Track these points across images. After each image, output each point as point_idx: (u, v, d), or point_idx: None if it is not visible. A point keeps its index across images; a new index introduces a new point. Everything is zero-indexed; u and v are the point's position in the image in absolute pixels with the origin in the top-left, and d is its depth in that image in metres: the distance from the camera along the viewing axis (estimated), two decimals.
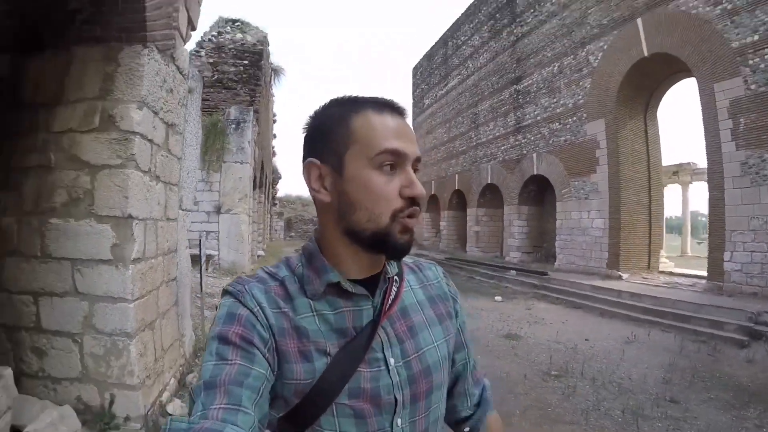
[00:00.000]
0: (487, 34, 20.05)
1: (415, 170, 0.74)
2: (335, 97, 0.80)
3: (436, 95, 26.52)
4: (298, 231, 32.34)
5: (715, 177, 9.82)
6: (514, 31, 17.71)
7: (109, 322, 3.08)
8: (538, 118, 16.10)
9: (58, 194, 3.13)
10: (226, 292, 0.74)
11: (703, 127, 10.15)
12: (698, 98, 10.34)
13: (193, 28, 3.97)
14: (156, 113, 3.44)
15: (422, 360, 0.78)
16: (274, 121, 24.94)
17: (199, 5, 4.02)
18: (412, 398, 0.75)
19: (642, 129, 13.06)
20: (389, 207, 0.71)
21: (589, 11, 13.68)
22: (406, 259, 0.89)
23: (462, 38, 23.06)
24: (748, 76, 9.39)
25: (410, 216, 0.72)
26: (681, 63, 10.82)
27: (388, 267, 0.80)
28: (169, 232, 3.89)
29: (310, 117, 0.79)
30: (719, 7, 9.98)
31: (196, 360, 4.75)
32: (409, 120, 0.78)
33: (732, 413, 4.56)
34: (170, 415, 3.36)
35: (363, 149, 0.72)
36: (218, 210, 11.59)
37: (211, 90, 12.14)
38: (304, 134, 0.80)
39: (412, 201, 0.72)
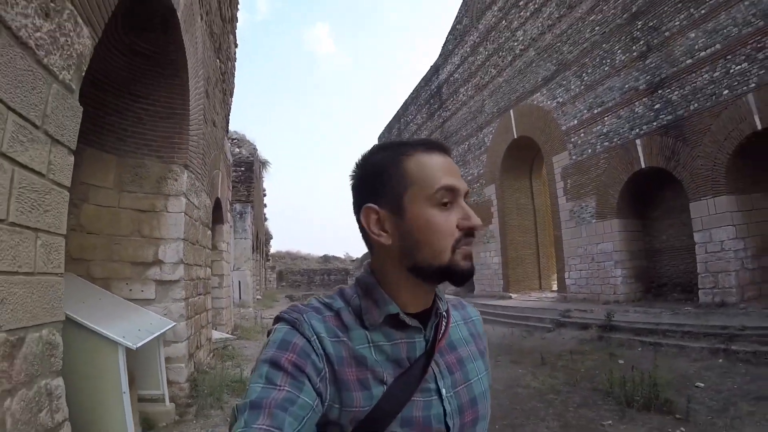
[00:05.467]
0: (426, 115, 24.80)
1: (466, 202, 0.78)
2: (378, 143, 0.84)
3: None
4: (288, 281, 36.13)
5: (556, 221, 14.00)
6: (442, 114, 22.43)
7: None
8: None
9: None
10: (280, 319, 0.76)
11: (548, 187, 14.46)
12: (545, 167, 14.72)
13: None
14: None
15: (469, 391, 0.80)
16: (264, 195, 29.34)
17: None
18: (461, 428, 0.77)
19: (528, 187, 17.40)
20: (450, 240, 0.74)
21: (485, 102, 18.35)
22: (450, 298, 0.93)
23: (410, 116, 27.87)
24: (571, 150, 13.78)
25: (467, 244, 0.75)
26: (536, 142, 15.29)
27: (439, 303, 0.82)
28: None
29: (357, 165, 0.82)
30: (555, 101, 14.53)
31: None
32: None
33: (516, 366, 8.06)
34: None
35: (421, 189, 0.75)
36: (233, 268, 15.84)
37: None
38: (353, 182, 0.82)
39: (469, 231, 0.75)
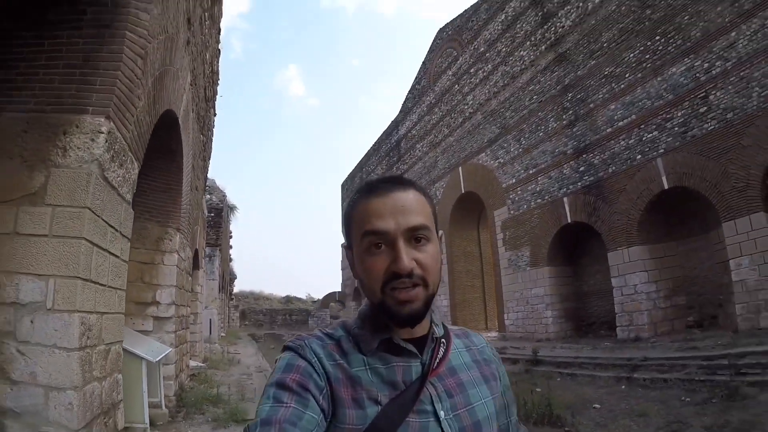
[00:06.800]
0: (386, 167, 26.60)
1: (420, 238, 0.78)
2: (362, 184, 0.88)
3: None
4: (251, 319, 36.46)
5: (497, 268, 15.67)
6: (400, 167, 24.24)
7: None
8: None
9: None
10: (286, 348, 0.81)
11: (491, 239, 16.18)
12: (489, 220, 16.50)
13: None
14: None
15: (471, 414, 0.80)
16: (231, 237, 30.36)
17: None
18: None
19: (476, 237, 19.14)
20: (378, 282, 0.76)
21: (438, 159, 20.23)
22: (453, 328, 0.96)
23: (371, 167, 29.66)
24: (510, 205, 15.59)
25: (394, 288, 0.75)
26: (481, 197, 17.12)
27: (435, 328, 0.85)
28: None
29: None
30: (497, 161, 16.42)
31: None
32: (408, 190, 0.81)
33: None
34: None
35: (356, 235, 0.80)
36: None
37: None
38: None
39: (394, 275, 0.75)
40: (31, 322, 2.52)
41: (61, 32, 3.00)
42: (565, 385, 9.25)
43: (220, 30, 8.49)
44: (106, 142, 2.85)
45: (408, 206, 0.78)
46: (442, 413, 0.77)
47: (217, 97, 9.70)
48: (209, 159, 9.56)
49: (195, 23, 5.54)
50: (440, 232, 0.87)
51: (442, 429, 0.76)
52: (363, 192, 0.82)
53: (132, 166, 3.46)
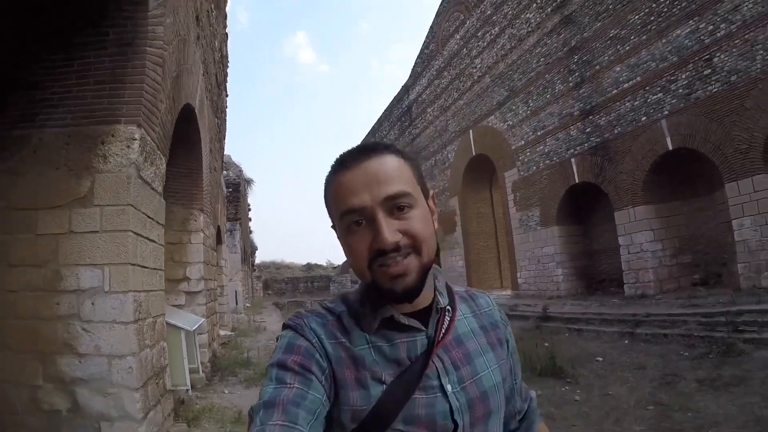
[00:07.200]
0: (397, 132, 26.77)
1: (403, 206, 0.73)
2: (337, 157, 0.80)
3: None
4: (273, 289, 37.72)
5: (509, 229, 16.05)
6: (412, 132, 24.43)
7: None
8: None
9: None
10: (286, 326, 0.79)
11: (502, 200, 16.49)
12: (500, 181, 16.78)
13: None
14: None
15: (479, 385, 0.79)
16: (249, 210, 31.14)
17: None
18: (471, 423, 0.76)
19: (489, 198, 19.45)
20: (362, 262, 0.73)
21: (449, 122, 20.38)
22: (458, 289, 0.91)
23: (383, 132, 29.79)
24: (519, 166, 15.83)
25: (382, 265, 0.72)
26: (491, 159, 17.34)
27: (439, 298, 0.81)
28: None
29: None
30: (506, 123, 16.57)
31: None
32: (382, 157, 0.75)
33: None
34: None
35: (335, 216, 0.77)
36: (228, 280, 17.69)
37: None
38: None
39: (382, 251, 0.71)
40: (92, 304, 3.07)
41: (88, 53, 3.42)
42: (572, 339, 9.71)
43: (226, 15, 8.78)
44: (140, 146, 3.31)
45: (382, 175, 0.73)
46: (449, 387, 0.76)
47: (227, 76, 10.04)
48: (224, 139, 10.01)
49: (203, 18, 5.89)
50: (431, 192, 0.83)
51: (449, 403, 0.75)
52: (334, 167, 0.78)
53: (161, 161, 3.94)
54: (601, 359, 7.73)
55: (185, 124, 5.68)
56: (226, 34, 9.22)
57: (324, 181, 0.80)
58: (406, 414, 0.72)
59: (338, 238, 0.79)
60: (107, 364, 3.07)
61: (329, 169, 0.79)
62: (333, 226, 0.81)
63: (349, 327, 0.78)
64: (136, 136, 3.29)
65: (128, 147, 3.26)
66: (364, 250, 0.72)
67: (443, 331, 0.79)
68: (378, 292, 0.75)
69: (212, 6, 6.76)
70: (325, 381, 0.72)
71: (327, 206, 0.80)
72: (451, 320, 0.82)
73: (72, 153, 3.28)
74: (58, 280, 3.12)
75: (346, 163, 0.76)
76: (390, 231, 0.71)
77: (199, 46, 5.76)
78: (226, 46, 9.36)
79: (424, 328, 0.78)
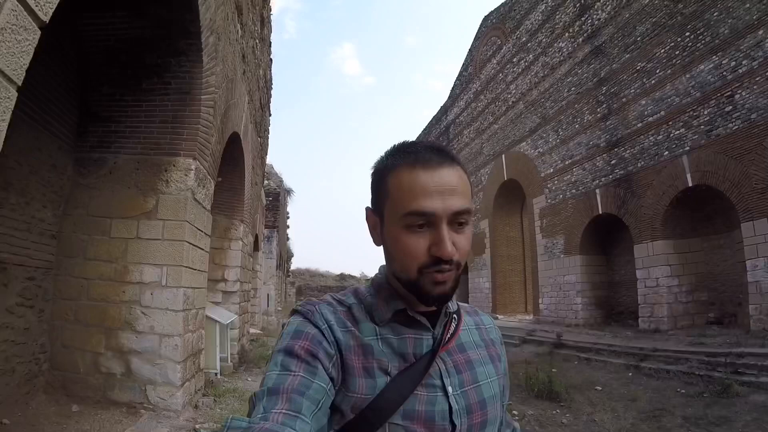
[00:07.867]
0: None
1: (461, 223, 0.74)
2: (395, 144, 0.81)
3: None
4: (306, 296, 38.64)
5: (534, 254, 16.47)
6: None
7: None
8: None
9: None
10: (295, 312, 0.79)
11: (530, 225, 16.92)
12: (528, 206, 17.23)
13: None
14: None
15: (478, 392, 0.80)
16: (288, 218, 32.48)
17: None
18: (469, 428, 0.77)
19: (519, 222, 19.90)
20: (415, 263, 0.73)
21: (483, 145, 20.99)
22: (464, 305, 0.94)
23: None
24: (547, 194, 16.27)
25: (438, 271, 0.72)
26: (521, 185, 17.82)
27: (448, 303, 0.81)
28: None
29: (374, 164, 0.82)
30: (536, 150, 17.04)
31: None
32: (456, 168, 0.75)
33: None
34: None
35: (394, 208, 0.74)
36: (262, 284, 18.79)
37: None
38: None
39: (440, 259, 0.72)
40: (151, 294, 4.00)
41: (154, 97, 4.39)
42: (579, 367, 9.93)
43: (270, 44, 9.80)
44: (195, 175, 4.25)
45: (455, 187, 0.73)
46: (450, 388, 0.77)
47: (271, 98, 11.04)
48: (266, 155, 11.03)
49: (248, 54, 6.88)
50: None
51: (449, 404, 0.76)
52: (407, 158, 0.75)
53: (210, 184, 4.88)
54: (600, 388, 7.94)
55: (231, 146, 6.64)
56: (270, 60, 10.26)
57: (383, 165, 0.79)
58: (405, 409, 0.73)
59: (376, 224, 0.81)
60: (158, 341, 3.97)
61: (393, 154, 0.78)
62: (376, 211, 0.80)
63: (359, 318, 0.79)
64: (192, 166, 4.23)
65: (186, 175, 4.19)
66: (420, 253, 0.72)
67: (449, 334, 0.81)
68: (415, 291, 0.75)
69: (257, 42, 7.78)
70: (332, 368, 0.72)
71: (379, 189, 0.79)
72: (458, 326, 0.84)
73: (141, 176, 4.24)
74: (126, 273, 4.06)
75: (422, 160, 0.74)
76: (450, 243, 0.71)
77: (244, 80, 6.75)
78: (270, 70, 10.40)
79: (431, 328, 0.80)
